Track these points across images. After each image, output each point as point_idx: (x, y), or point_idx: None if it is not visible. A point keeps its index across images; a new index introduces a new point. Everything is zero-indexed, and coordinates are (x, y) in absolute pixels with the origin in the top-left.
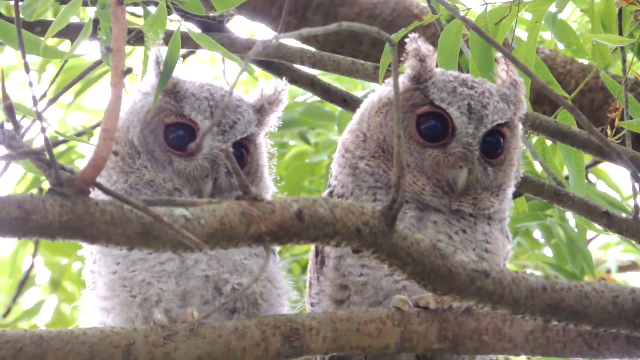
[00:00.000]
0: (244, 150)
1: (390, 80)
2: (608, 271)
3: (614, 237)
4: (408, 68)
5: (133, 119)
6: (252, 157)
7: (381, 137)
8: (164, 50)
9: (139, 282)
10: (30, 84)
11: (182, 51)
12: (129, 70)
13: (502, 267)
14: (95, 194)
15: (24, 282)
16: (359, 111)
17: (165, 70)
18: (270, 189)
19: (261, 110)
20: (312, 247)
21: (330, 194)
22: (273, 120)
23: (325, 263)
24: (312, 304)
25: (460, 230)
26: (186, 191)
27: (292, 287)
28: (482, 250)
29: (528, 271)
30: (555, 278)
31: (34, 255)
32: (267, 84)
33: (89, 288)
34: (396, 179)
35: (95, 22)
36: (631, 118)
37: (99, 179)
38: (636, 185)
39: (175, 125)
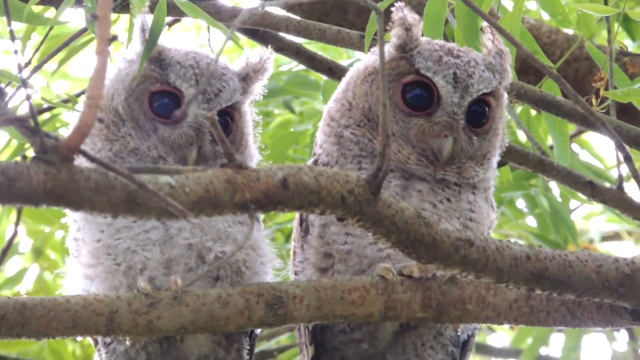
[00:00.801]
0: (229, 118)
1: (375, 49)
2: (591, 241)
3: (597, 207)
4: (394, 37)
5: (118, 86)
6: (237, 125)
7: (366, 106)
8: (149, 18)
9: (123, 250)
10: (16, 52)
11: (168, 19)
12: (114, 38)
13: (486, 236)
14: (80, 162)
15: (7, 250)
16: (344, 80)
17: (151, 37)
18: (255, 157)
19: (246, 78)
20: (297, 215)
21: (315, 162)
22: (258, 88)
23: (310, 231)
24: (295, 273)
25: (444, 199)
26: (171, 159)
27: (275, 255)
28: (466, 219)
29: (512, 240)
30: (539, 247)
31: (16, 224)
32: (253, 52)
33: (73, 256)
34: (381, 147)
35: None
36: (616, 88)
37: (83, 147)
38: (620, 155)
39: (160, 93)
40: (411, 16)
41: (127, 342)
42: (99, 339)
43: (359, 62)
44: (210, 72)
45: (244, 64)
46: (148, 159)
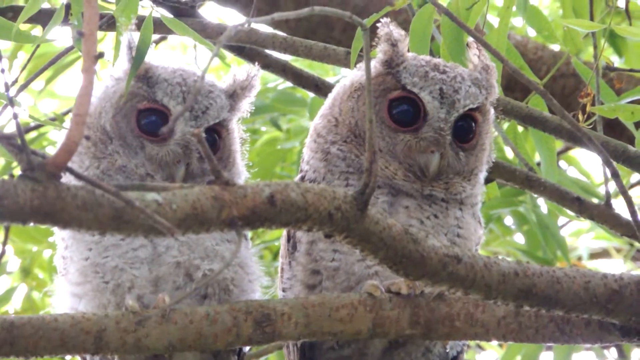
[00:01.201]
0: (216, 135)
1: (362, 65)
2: (579, 258)
3: (586, 224)
4: (380, 53)
5: (105, 104)
6: (225, 142)
7: (353, 121)
8: (136, 36)
9: (111, 268)
10: (2, 70)
11: (154, 37)
12: (100, 55)
13: (474, 252)
14: (68, 179)
15: None
16: (330, 96)
17: (138, 55)
18: (242, 174)
19: (234, 95)
20: (284, 232)
21: (302, 179)
22: (245, 105)
23: (297, 248)
24: (283, 290)
25: (432, 215)
26: (158, 177)
27: (263, 272)
28: (454, 236)
29: (500, 257)
30: (527, 263)
31: (4, 243)
32: (240, 69)
33: (61, 274)
34: (368, 163)
35: (68, 7)
36: (602, 104)
37: (70, 165)
38: (608, 171)
39: (148, 111)
40: (397, 32)
41: None
42: (87, 357)
43: (345, 78)
44: (196, 89)
45: (231, 82)
46: (136, 176)
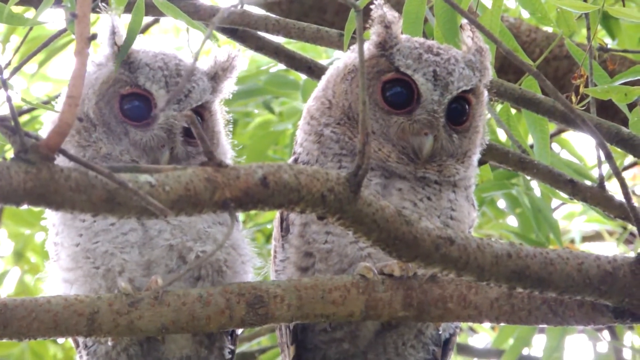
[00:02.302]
0: (199, 117)
1: (355, 47)
2: (572, 241)
3: (578, 207)
4: (373, 35)
5: (88, 91)
6: (208, 124)
7: (346, 104)
8: (119, 21)
9: (101, 253)
10: None
11: (147, 20)
12: (94, 37)
13: (467, 234)
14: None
15: None
16: (324, 78)
17: (128, 37)
18: (228, 153)
19: (215, 77)
20: (277, 214)
21: (295, 161)
22: (228, 87)
23: (290, 230)
24: (276, 272)
25: (425, 198)
26: (143, 162)
27: (256, 254)
28: (447, 218)
29: (493, 239)
30: (520, 245)
31: None
32: (221, 50)
33: (52, 260)
34: (361, 145)
35: None
36: (595, 85)
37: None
38: (601, 152)
39: (131, 96)
40: (390, 14)
41: (109, 343)
42: (80, 341)
43: (338, 60)
44: (189, 71)
45: (212, 63)
46: (120, 163)
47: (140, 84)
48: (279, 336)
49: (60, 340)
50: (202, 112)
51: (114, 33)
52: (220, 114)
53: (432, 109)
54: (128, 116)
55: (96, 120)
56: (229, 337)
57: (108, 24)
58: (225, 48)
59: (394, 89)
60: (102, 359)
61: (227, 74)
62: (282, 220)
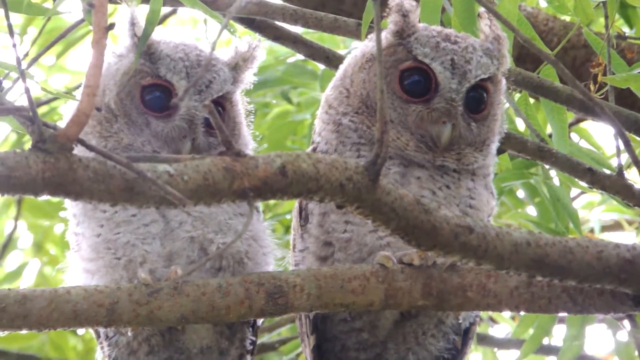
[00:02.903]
0: (220, 108)
1: (373, 36)
2: (591, 231)
3: (597, 197)
4: (391, 23)
5: (109, 82)
6: (229, 114)
7: (364, 93)
8: (138, 11)
9: (123, 244)
10: (14, 45)
11: (164, 11)
12: (111, 27)
13: (486, 222)
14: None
15: (7, 245)
16: (342, 67)
17: (147, 27)
18: (249, 144)
19: (236, 67)
20: (296, 204)
21: (314, 150)
22: (248, 77)
23: (309, 220)
24: (296, 263)
25: (443, 186)
26: (164, 153)
27: (277, 245)
28: (466, 206)
29: (512, 228)
30: (540, 233)
31: (16, 219)
32: (241, 41)
33: (73, 250)
34: (379, 134)
35: None
36: (614, 74)
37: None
38: (620, 141)
39: (152, 87)
40: (408, 2)
41: (129, 333)
42: (101, 332)
43: (356, 49)
44: (206, 62)
45: (233, 54)
46: (141, 154)
47: (161, 74)
48: (299, 326)
49: (81, 331)
50: (223, 102)
51: (133, 24)
52: (242, 104)
53: (450, 98)
54: (149, 107)
55: (117, 111)
56: (250, 328)
57: (127, 15)
58: (246, 38)
59: (412, 78)
60: (123, 349)
61: (247, 64)
62: (300, 210)
